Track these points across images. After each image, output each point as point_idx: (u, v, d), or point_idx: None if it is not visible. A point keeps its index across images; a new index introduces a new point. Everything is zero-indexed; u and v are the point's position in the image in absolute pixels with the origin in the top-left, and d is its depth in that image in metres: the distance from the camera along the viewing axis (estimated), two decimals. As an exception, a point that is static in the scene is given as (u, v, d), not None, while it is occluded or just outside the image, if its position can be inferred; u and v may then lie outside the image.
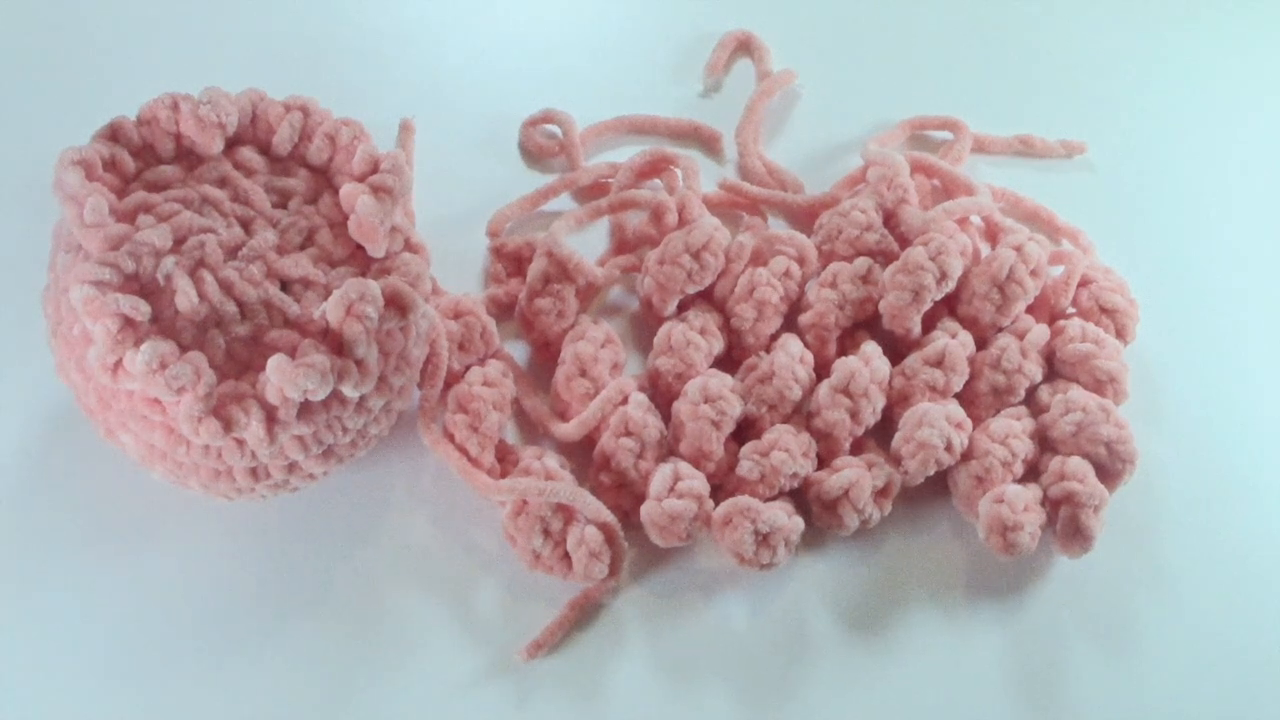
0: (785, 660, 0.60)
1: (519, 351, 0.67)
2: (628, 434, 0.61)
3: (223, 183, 0.57)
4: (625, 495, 0.61)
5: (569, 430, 0.63)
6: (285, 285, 0.56)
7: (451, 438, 0.61)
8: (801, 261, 0.66)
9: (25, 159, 0.69)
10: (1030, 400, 0.65)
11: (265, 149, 0.59)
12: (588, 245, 0.69)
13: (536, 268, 0.65)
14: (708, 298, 0.67)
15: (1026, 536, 0.59)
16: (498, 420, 0.62)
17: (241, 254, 0.55)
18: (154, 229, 0.53)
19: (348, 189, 0.57)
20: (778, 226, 0.71)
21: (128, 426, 0.54)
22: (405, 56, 0.78)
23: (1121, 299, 0.67)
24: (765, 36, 0.79)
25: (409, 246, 0.59)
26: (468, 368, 0.64)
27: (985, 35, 0.82)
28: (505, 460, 0.62)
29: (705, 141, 0.75)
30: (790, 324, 0.66)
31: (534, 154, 0.74)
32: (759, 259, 0.67)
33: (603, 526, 0.59)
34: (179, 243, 0.54)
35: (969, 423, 0.62)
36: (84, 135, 0.57)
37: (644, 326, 0.68)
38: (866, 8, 0.83)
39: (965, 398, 0.64)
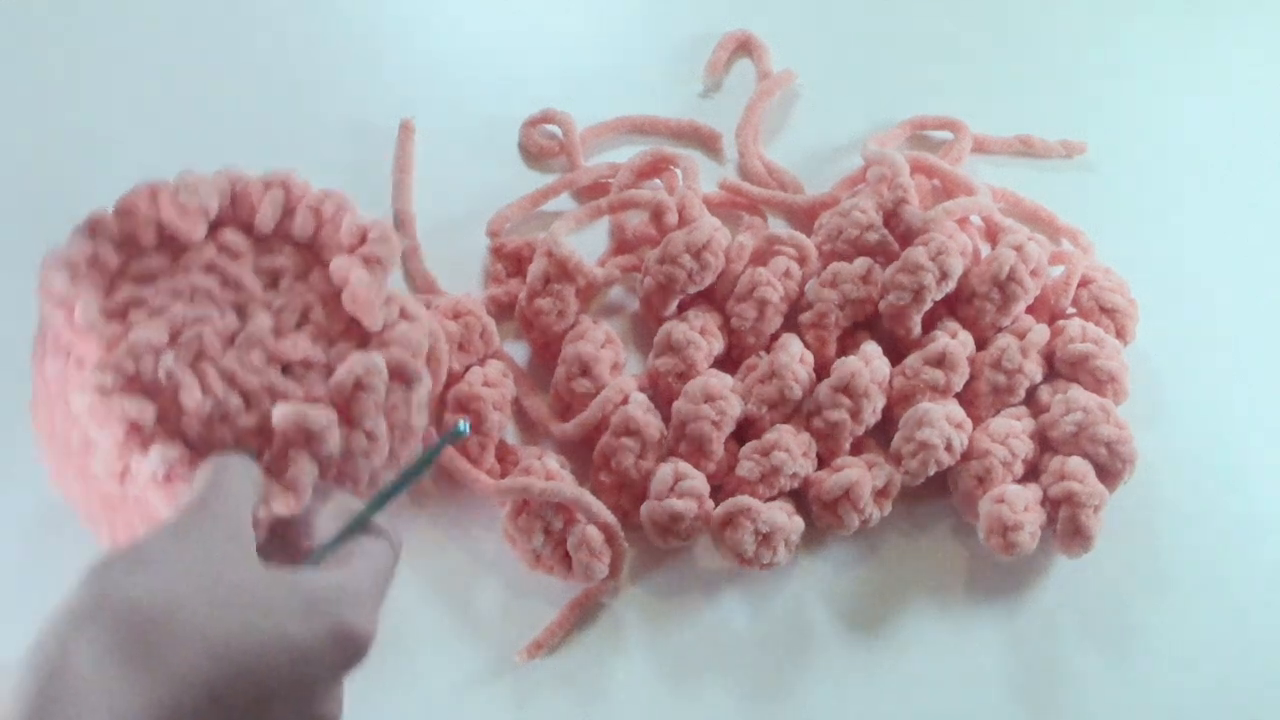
0: (785, 660, 0.60)
1: (519, 351, 0.67)
2: (628, 434, 0.61)
3: (210, 268, 0.55)
4: (625, 495, 0.61)
5: (569, 430, 0.63)
6: (286, 368, 0.54)
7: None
8: (802, 261, 0.66)
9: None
10: (1030, 400, 0.65)
11: (248, 229, 0.57)
12: (588, 245, 0.69)
13: (536, 268, 0.65)
14: (708, 298, 0.67)
15: (1026, 536, 0.59)
16: (498, 420, 0.62)
17: (239, 341, 0.54)
18: (149, 325, 0.52)
19: (338, 263, 0.56)
20: (778, 226, 0.71)
21: (135, 530, 0.52)
22: (405, 56, 0.78)
23: (1121, 299, 0.67)
24: (765, 36, 0.79)
25: (404, 315, 0.57)
26: (468, 368, 0.63)
27: (985, 35, 0.82)
28: (505, 460, 0.62)
29: (705, 141, 0.75)
30: (790, 324, 0.66)
31: (534, 154, 0.74)
32: (759, 259, 0.67)
33: (603, 526, 0.59)
34: (174, 336, 0.52)
35: (969, 423, 0.62)
36: (51, 215, 0.54)
37: (644, 326, 0.68)
38: (866, 8, 0.83)
39: (965, 398, 0.64)
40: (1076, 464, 0.61)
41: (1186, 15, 0.84)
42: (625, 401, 0.62)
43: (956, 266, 0.64)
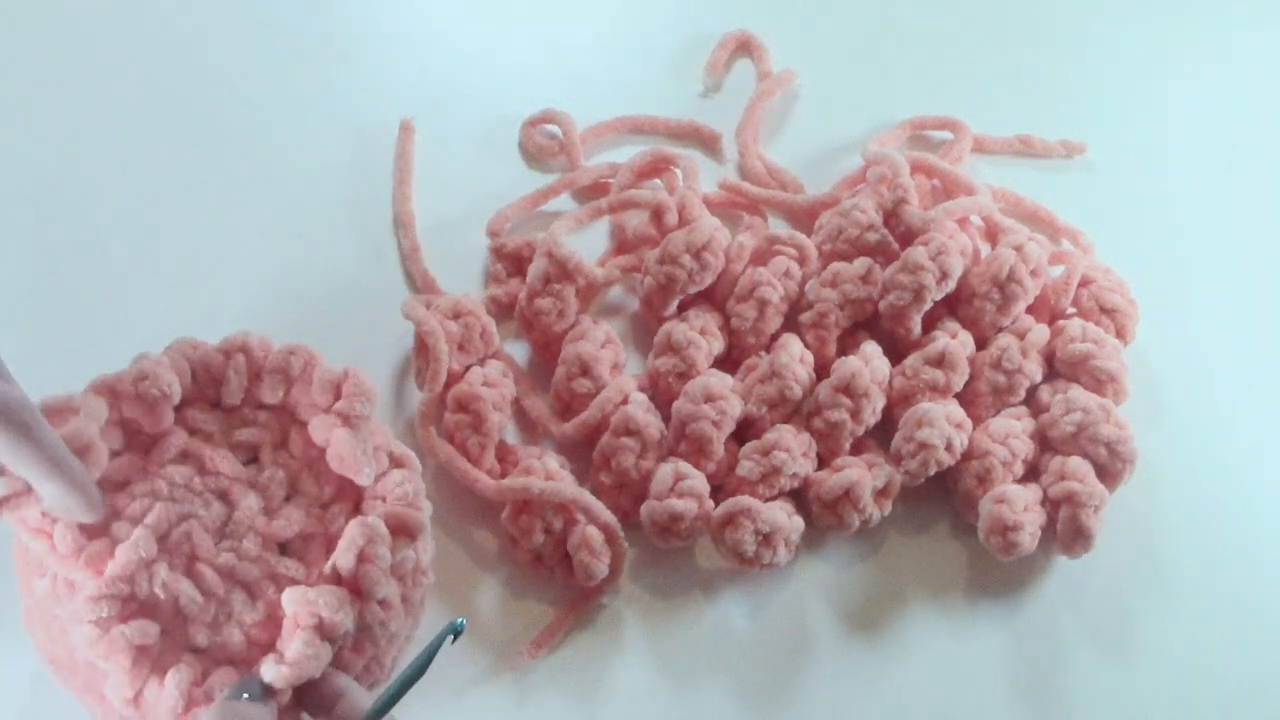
0: (785, 660, 0.60)
1: (519, 351, 0.67)
2: (628, 434, 0.61)
3: (185, 456, 0.53)
4: (625, 495, 0.61)
5: (569, 430, 0.63)
6: (284, 547, 0.53)
7: (451, 438, 0.61)
8: (802, 261, 0.66)
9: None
10: (1030, 400, 0.65)
11: (215, 402, 0.55)
12: (588, 245, 0.69)
13: (536, 268, 0.65)
14: (708, 298, 0.67)
15: (1026, 536, 0.59)
16: (498, 420, 0.62)
17: (229, 531, 0.52)
18: (135, 538, 0.50)
19: (317, 424, 0.54)
20: (778, 226, 0.71)
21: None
22: (405, 56, 0.78)
23: (1121, 299, 0.67)
24: (765, 36, 0.79)
25: (394, 461, 0.55)
26: (468, 368, 0.63)
27: (985, 35, 0.82)
28: (505, 460, 0.62)
29: (705, 141, 0.75)
30: (790, 324, 0.66)
31: (534, 154, 0.74)
32: (759, 259, 0.67)
33: (603, 526, 0.59)
34: (162, 540, 0.50)
35: (969, 423, 0.62)
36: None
37: (644, 326, 0.68)
38: (866, 8, 0.83)
39: (965, 398, 0.64)
40: (1076, 464, 0.61)
41: (1187, 15, 0.84)
42: (625, 401, 0.62)
43: (956, 266, 0.64)
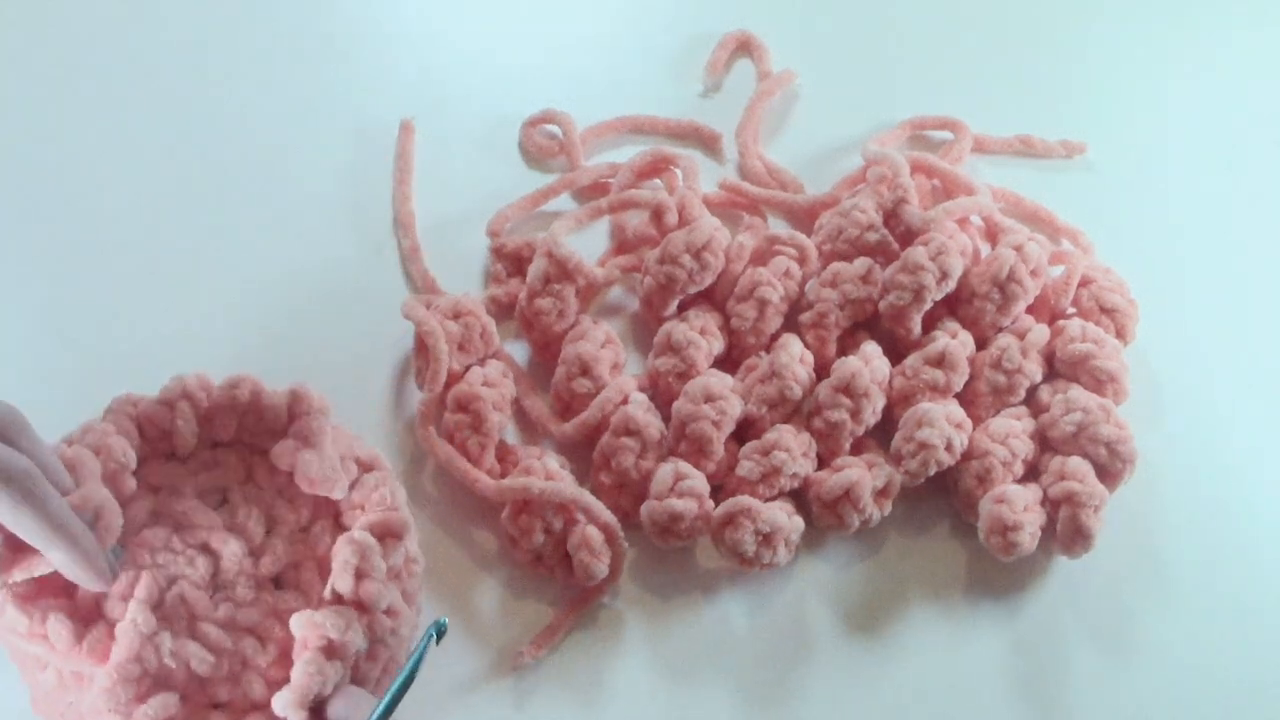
0: (785, 660, 0.60)
1: (519, 351, 0.67)
2: (628, 434, 0.61)
3: (156, 517, 0.53)
4: (625, 495, 0.61)
5: (569, 430, 0.63)
6: (277, 580, 0.53)
7: (451, 438, 0.61)
8: (802, 261, 0.66)
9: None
10: (1030, 400, 0.65)
11: (169, 454, 0.54)
12: (588, 245, 0.69)
13: (536, 268, 0.65)
14: (708, 298, 0.67)
15: (1026, 536, 0.59)
16: (498, 420, 0.62)
17: (220, 582, 0.52)
18: (132, 616, 0.49)
19: (277, 452, 0.53)
20: (778, 226, 0.71)
21: None
22: (405, 56, 0.78)
23: (1121, 299, 0.67)
24: (765, 36, 0.79)
25: (362, 465, 0.55)
26: (468, 368, 0.63)
27: (985, 35, 0.82)
28: (505, 460, 0.62)
29: (705, 141, 0.75)
30: (790, 324, 0.66)
31: (534, 154, 0.74)
32: (759, 259, 0.67)
33: (603, 526, 0.59)
34: (157, 608, 0.50)
35: (969, 423, 0.62)
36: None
37: (644, 326, 0.68)
38: (866, 8, 0.83)
39: (965, 398, 0.64)
40: (1076, 464, 0.61)
41: (1187, 15, 0.84)
42: (625, 401, 0.62)
43: (956, 266, 0.64)
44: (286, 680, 0.49)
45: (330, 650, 0.49)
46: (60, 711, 0.52)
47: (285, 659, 0.51)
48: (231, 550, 0.52)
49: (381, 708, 0.48)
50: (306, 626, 0.49)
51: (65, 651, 0.49)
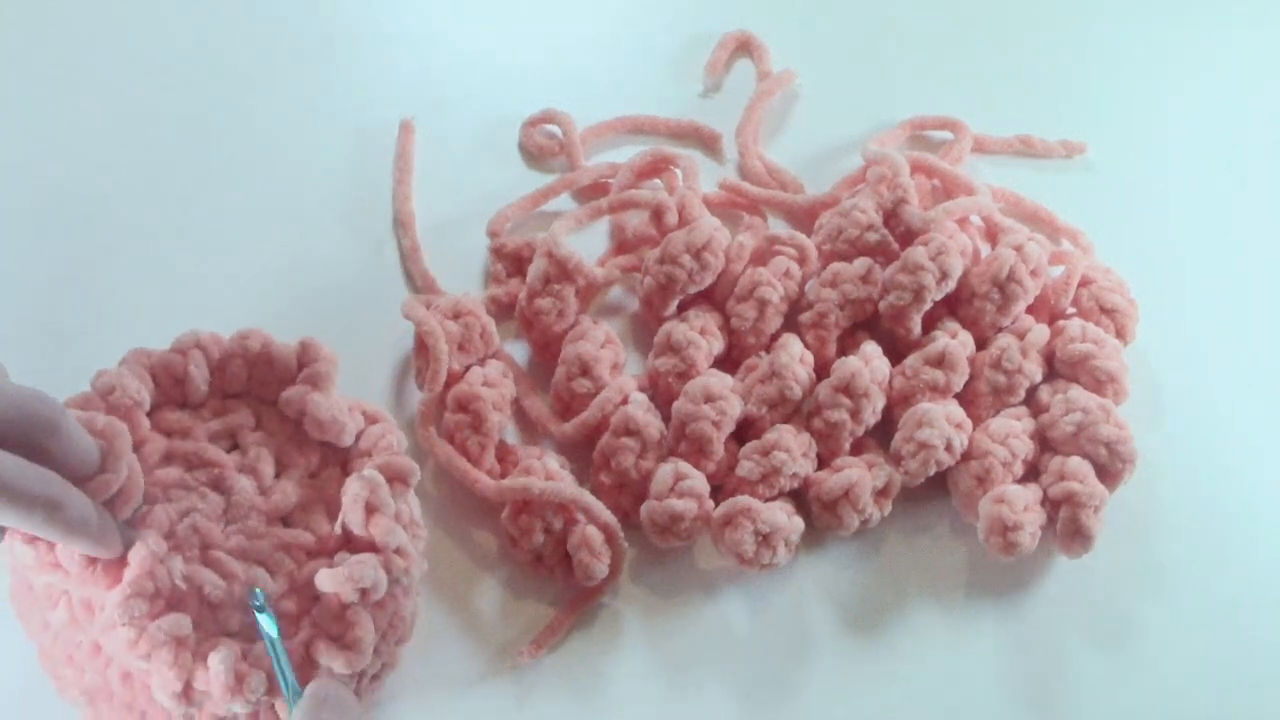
0: (785, 660, 0.60)
1: (519, 351, 0.67)
2: (628, 434, 0.61)
3: (169, 458, 0.54)
4: (625, 495, 0.61)
5: (569, 430, 0.63)
6: (286, 519, 0.54)
7: (451, 438, 0.61)
8: (802, 261, 0.66)
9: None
10: (1030, 400, 0.65)
11: (182, 403, 0.56)
12: (588, 245, 0.69)
13: (536, 268, 0.65)
14: (708, 298, 0.67)
15: (1026, 536, 0.59)
16: (498, 420, 0.62)
17: (231, 515, 0.53)
18: (144, 538, 0.50)
19: (287, 397, 0.55)
20: (778, 226, 0.71)
21: None
22: (405, 56, 0.78)
23: (1121, 299, 0.67)
24: (765, 36, 0.79)
25: (369, 418, 0.56)
26: (468, 368, 0.63)
27: (985, 35, 0.82)
28: (505, 460, 0.62)
29: (705, 141, 0.75)
30: (790, 324, 0.66)
31: (534, 154, 0.74)
32: (759, 259, 0.67)
33: (603, 526, 0.59)
34: (170, 538, 0.51)
35: (969, 423, 0.62)
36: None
37: (644, 326, 0.68)
38: (866, 8, 0.83)
39: (965, 398, 0.64)
40: (1076, 464, 0.61)
41: (1187, 16, 0.84)
42: (625, 401, 0.62)
43: (956, 266, 0.64)
44: (295, 612, 0.51)
45: (366, 598, 0.50)
46: (69, 654, 0.52)
47: (295, 591, 0.52)
48: (243, 486, 0.53)
49: (289, 680, 0.49)
50: (338, 582, 0.49)
51: (79, 574, 0.50)
